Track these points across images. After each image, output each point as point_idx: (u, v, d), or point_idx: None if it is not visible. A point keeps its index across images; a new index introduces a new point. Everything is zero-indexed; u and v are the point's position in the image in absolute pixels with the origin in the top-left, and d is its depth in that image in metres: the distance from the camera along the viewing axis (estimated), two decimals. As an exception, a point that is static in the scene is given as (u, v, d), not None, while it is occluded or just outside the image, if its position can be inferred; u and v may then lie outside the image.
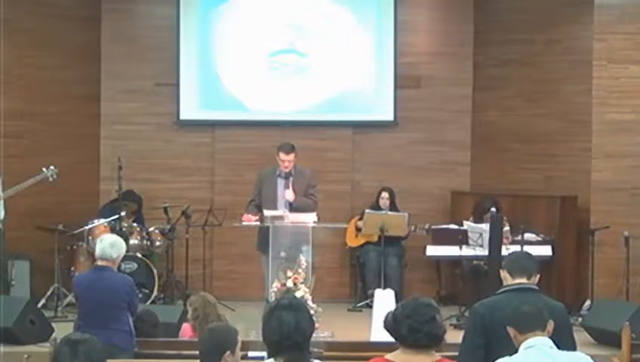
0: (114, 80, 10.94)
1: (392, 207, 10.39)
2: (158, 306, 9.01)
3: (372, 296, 8.85)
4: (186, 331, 7.07)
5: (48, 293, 9.44)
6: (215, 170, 10.97)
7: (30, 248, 9.83)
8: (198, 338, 4.26)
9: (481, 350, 4.62)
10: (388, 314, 3.91)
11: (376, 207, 10.36)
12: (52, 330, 8.08)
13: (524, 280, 4.76)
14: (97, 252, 6.69)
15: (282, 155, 8.61)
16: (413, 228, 9.91)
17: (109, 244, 6.61)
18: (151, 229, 10.14)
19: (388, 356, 3.86)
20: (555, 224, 9.84)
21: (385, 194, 10.42)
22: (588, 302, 9.45)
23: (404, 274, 10.47)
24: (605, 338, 7.95)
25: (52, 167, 9.33)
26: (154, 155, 10.96)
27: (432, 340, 3.82)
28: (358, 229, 10.37)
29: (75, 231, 9.67)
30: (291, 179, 8.63)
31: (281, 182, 8.67)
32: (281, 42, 10.89)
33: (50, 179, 9.34)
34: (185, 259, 10.18)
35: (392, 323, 3.86)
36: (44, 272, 9.64)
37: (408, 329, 3.79)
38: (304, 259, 7.92)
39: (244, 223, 8.51)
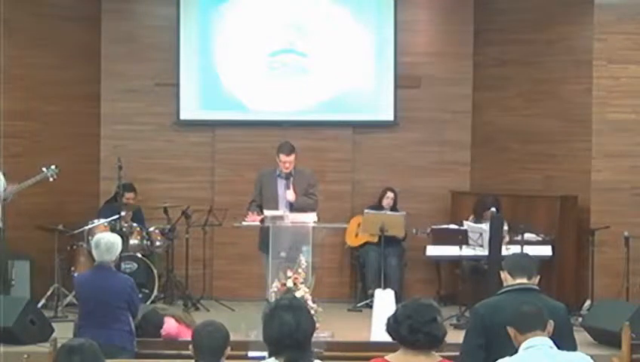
0: (114, 80, 10.95)
1: (394, 207, 10.40)
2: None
3: (372, 296, 8.85)
4: (171, 325, 7.16)
5: (48, 293, 9.44)
6: (215, 170, 10.97)
7: (30, 248, 9.82)
8: (194, 337, 4.17)
9: (481, 350, 4.63)
10: (389, 317, 3.92)
11: (379, 206, 10.36)
12: (52, 330, 8.08)
13: (524, 281, 4.76)
14: (96, 258, 6.71)
15: (283, 157, 8.59)
16: (414, 230, 9.90)
17: (105, 250, 6.63)
18: (151, 229, 10.15)
19: (388, 357, 3.86)
20: (555, 224, 9.84)
21: (390, 194, 10.44)
22: (588, 302, 9.45)
23: (404, 274, 10.47)
24: (605, 338, 7.94)
25: (53, 167, 9.31)
26: (154, 155, 10.96)
27: (432, 341, 3.81)
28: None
29: (75, 231, 9.67)
30: (292, 179, 8.62)
31: (281, 182, 8.66)
32: (281, 42, 10.90)
33: (51, 178, 9.32)
34: (185, 259, 10.19)
35: (392, 324, 3.86)
36: (44, 272, 9.64)
37: (408, 329, 3.79)
38: (304, 259, 7.92)
39: (244, 223, 8.51)
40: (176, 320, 7.28)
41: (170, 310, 7.56)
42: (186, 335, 6.99)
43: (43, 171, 9.31)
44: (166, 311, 7.43)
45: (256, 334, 7.19)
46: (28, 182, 9.23)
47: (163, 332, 7.12)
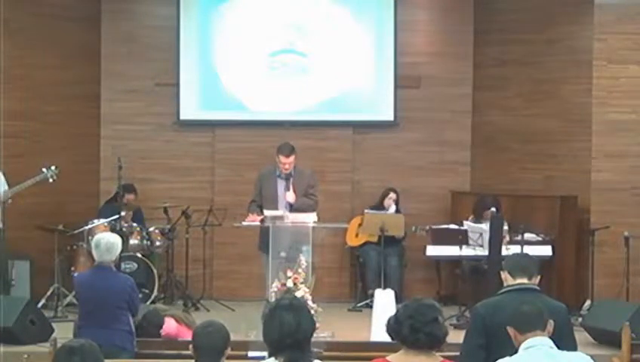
0: (114, 80, 10.95)
1: (397, 208, 10.40)
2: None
3: (372, 296, 8.85)
4: (171, 326, 7.17)
5: (48, 293, 9.44)
6: (215, 170, 10.96)
7: (30, 248, 9.83)
8: (194, 336, 4.19)
9: (482, 350, 4.63)
10: (390, 317, 3.92)
11: (380, 206, 10.35)
12: (52, 330, 8.08)
13: (525, 281, 4.76)
14: (96, 258, 6.72)
15: (282, 158, 8.58)
16: (413, 228, 9.90)
17: (105, 250, 6.63)
18: (151, 229, 10.15)
19: (389, 357, 3.87)
20: (555, 224, 9.84)
21: (393, 195, 10.43)
22: (588, 302, 9.45)
23: (404, 274, 10.47)
24: (605, 338, 7.94)
25: (52, 168, 9.31)
26: (154, 155, 10.96)
27: (432, 341, 3.82)
28: None
29: (75, 231, 9.67)
30: (291, 180, 8.61)
31: (281, 182, 8.65)
32: (281, 42, 10.90)
33: (51, 179, 9.32)
34: (185, 259, 10.19)
35: (393, 324, 3.87)
36: (44, 272, 9.63)
37: (410, 329, 3.80)
38: (304, 259, 7.92)
39: (244, 223, 8.51)
40: (176, 320, 7.29)
41: (170, 310, 7.56)
42: (186, 336, 7.00)
43: (43, 172, 9.30)
44: (166, 311, 7.44)
45: (256, 334, 7.19)
46: (27, 183, 9.22)
47: (162, 332, 7.12)
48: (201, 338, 4.10)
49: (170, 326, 7.18)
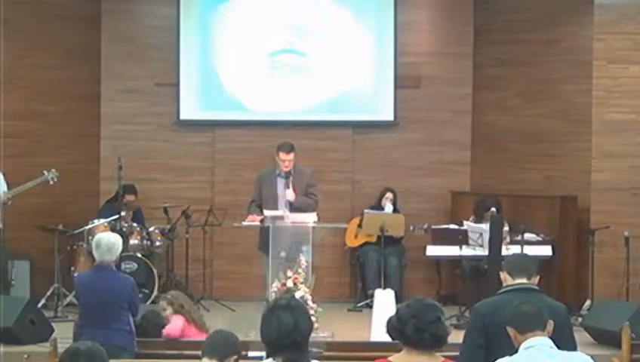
0: (114, 80, 10.95)
1: (395, 207, 10.40)
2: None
3: (372, 296, 8.85)
4: (176, 326, 7.11)
5: (48, 293, 9.44)
6: (215, 170, 10.97)
7: (30, 248, 9.82)
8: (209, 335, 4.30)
9: (481, 350, 4.62)
10: (391, 317, 3.91)
11: (378, 206, 10.36)
12: (52, 330, 8.09)
13: (524, 281, 4.77)
14: (96, 257, 6.71)
15: (282, 155, 8.60)
16: (412, 227, 9.91)
17: (106, 250, 6.63)
18: (151, 229, 10.15)
19: (392, 357, 3.86)
20: (555, 224, 9.84)
21: (389, 195, 10.44)
22: (588, 302, 9.45)
23: (404, 274, 10.48)
24: (605, 338, 7.95)
25: (53, 170, 9.33)
26: (154, 155, 10.96)
27: (436, 341, 3.82)
28: None
29: (75, 231, 9.67)
30: (291, 178, 8.62)
31: (281, 181, 8.66)
32: (281, 42, 10.90)
33: (51, 181, 9.33)
34: (185, 259, 10.19)
35: (396, 324, 3.86)
36: (44, 272, 9.63)
37: (414, 329, 3.80)
38: (304, 259, 7.92)
39: (244, 223, 8.51)
40: (187, 320, 7.18)
41: (185, 308, 7.36)
42: (194, 336, 6.98)
43: (43, 174, 9.31)
44: (182, 307, 7.26)
45: (256, 334, 7.17)
46: (27, 185, 9.23)
47: (164, 331, 7.10)
48: (206, 341, 4.25)
49: (175, 326, 7.10)
